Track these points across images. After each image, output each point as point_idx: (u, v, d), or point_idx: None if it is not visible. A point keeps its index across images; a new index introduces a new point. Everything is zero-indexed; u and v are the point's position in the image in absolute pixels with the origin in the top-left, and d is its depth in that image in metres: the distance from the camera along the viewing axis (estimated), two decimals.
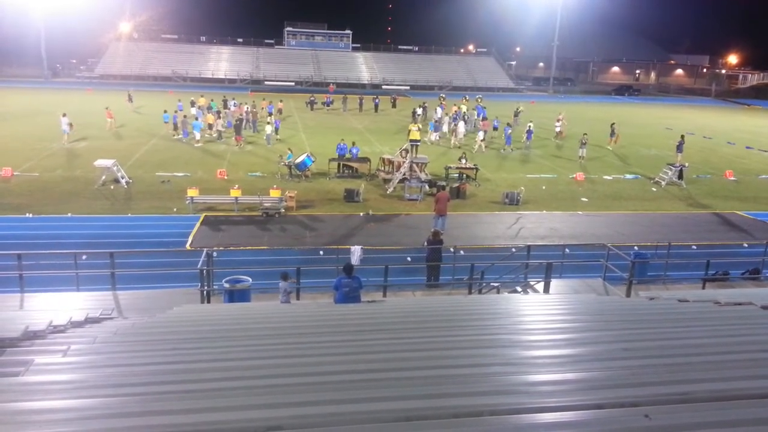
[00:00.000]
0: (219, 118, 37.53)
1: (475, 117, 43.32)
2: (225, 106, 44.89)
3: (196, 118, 36.61)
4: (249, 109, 40.34)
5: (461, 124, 38.24)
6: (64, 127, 32.11)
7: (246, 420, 3.92)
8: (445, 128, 39.63)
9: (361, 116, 50.35)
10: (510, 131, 36.83)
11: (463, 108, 44.63)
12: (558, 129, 41.35)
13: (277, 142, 34.64)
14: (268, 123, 35.74)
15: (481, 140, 35.40)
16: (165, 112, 38.47)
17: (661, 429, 3.70)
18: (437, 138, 38.31)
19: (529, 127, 37.60)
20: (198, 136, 34.11)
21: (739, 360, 5.42)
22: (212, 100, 43.31)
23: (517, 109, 46.20)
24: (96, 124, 38.16)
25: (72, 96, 52.99)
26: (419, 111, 43.81)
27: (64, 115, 32.54)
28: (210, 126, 36.53)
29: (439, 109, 43.99)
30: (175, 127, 36.15)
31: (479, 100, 52.39)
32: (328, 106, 54.18)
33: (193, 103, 42.17)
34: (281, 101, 47.48)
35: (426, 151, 30.79)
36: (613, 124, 39.59)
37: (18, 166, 26.38)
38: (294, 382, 4.92)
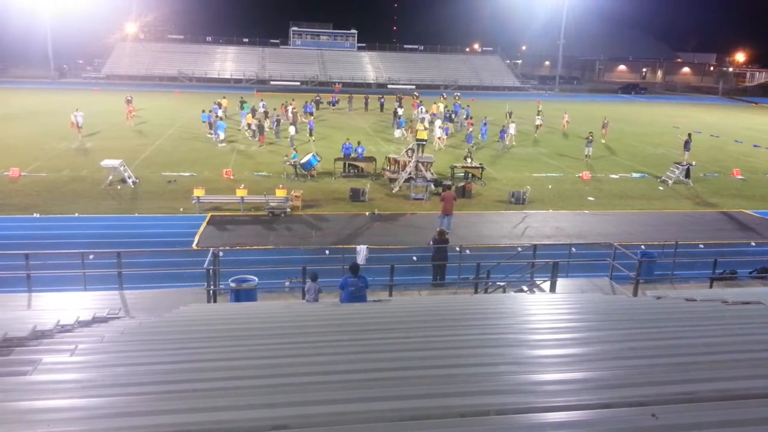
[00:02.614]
0: (266, 118, 38.42)
1: (464, 116, 43.17)
2: (242, 108, 45.14)
3: (220, 119, 37.04)
4: (292, 110, 40.47)
5: (437, 123, 38.06)
6: (79, 119, 33.88)
7: (252, 419, 3.93)
8: (425, 125, 39.59)
9: (367, 115, 50.35)
10: (471, 130, 37.41)
11: (441, 107, 44.64)
12: (537, 123, 42.42)
13: (311, 143, 34.60)
14: (291, 124, 35.72)
15: (438, 138, 35.27)
16: (203, 111, 39.24)
17: (668, 428, 3.69)
18: (401, 134, 38.38)
19: (503, 127, 37.50)
20: (222, 135, 34.41)
21: (746, 359, 5.39)
22: (245, 102, 43.57)
23: (510, 111, 46.07)
24: (102, 124, 38.33)
25: (79, 96, 53.16)
26: (400, 111, 43.95)
27: (77, 109, 34.42)
28: (249, 125, 36.95)
29: (422, 108, 44.18)
30: (210, 126, 36.85)
31: (457, 98, 52.52)
32: (333, 105, 54.19)
33: (219, 105, 42.47)
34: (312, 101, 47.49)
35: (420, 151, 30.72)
36: (605, 119, 41.78)
37: (25, 167, 26.51)
38: (300, 381, 4.92)
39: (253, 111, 40.10)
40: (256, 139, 34.82)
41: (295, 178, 26.47)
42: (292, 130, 34.33)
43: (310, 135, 36.42)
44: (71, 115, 34.33)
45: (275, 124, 36.89)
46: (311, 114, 41.20)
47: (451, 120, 42.60)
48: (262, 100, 45.66)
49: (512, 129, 37.98)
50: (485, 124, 38.51)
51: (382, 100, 54.43)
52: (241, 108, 42.13)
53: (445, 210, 19.71)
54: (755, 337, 6.57)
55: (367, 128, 42.64)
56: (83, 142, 33.00)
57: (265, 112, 40.59)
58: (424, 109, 43.99)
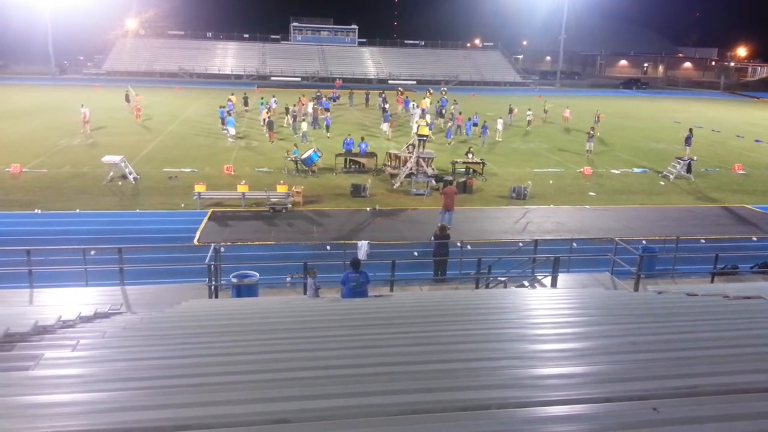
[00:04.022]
0: (287, 114, 38.80)
1: (456, 113, 43.09)
2: (245, 104, 45.24)
3: (230, 114, 37.05)
4: (313, 106, 40.36)
5: (427, 117, 37.96)
6: (87, 114, 34.23)
7: (253, 413, 3.93)
8: (416, 120, 39.67)
9: (368, 111, 50.26)
10: (451, 124, 37.98)
11: (427, 102, 44.65)
12: (529, 118, 43.06)
13: (328, 140, 34.61)
14: (304, 120, 35.70)
15: (415, 133, 35.21)
16: (221, 107, 39.45)
17: (669, 422, 3.69)
18: (386, 129, 38.49)
19: (484, 123, 37.51)
20: (232, 131, 34.41)
21: (747, 354, 5.39)
22: (262, 98, 43.83)
23: (510, 106, 46.06)
24: (104, 120, 38.30)
25: (80, 93, 53.14)
26: (386, 105, 43.99)
27: (83, 105, 34.94)
28: (264, 120, 37.08)
29: (413, 103, 44.33)
30: (223, 122, 36.96)
31: (444, 93, 52.69)
32: (334, 101, 54.09)
33: (233, 102, 42.78)
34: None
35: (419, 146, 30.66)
36: (597, 112, 43.46)
37: (27, 163, 26.52)
38: (301, 375, 4.93)
39: (286, 108, 40.23)
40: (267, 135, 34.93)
41: (296, 173, 26.47)
42: (304, 126, 34.39)
43: (327, 131, 36.44)
44: (81, 111, 34.44)
45: (293, 120, 36.82)
46: (327, 110, 41.30)
47: (441, 115, 42.54)
48: (273, 96, 45.61)
49: (500, 125, 37.92)
50: (470, 119, 38.54)
51: (383, 95, 54.31)
52: (236, 104, 42.20)
53: (446, 205, 19.68)
54: (756, 331, 6.57)
55: (368, 124, 42.59)
56: (86, 137, 33.03)
57: (286, 109, 40.58)
58: (414, 105, 44.06)
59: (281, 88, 64.11)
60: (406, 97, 49.82)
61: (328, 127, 36.95)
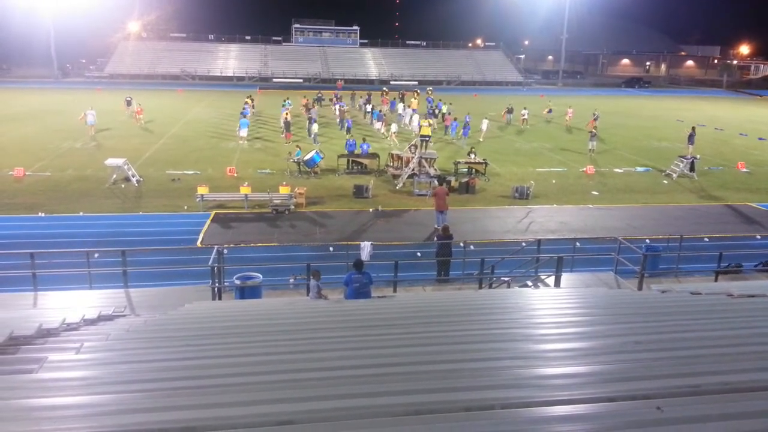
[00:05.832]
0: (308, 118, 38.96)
1: (445, 112, 43.01)
2: (252, 107, 45.36)
3: (244, 116, 37.07)
4: (339, 108, 40.31)
5: (415, 118, 37.92)
6: (90, 119, 34.26)
7: (257, 414, 3.94)
8: (407, 120, 39.96)
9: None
10: (431, 121, 37.56)
11: (415, 103, 44.61)
12: (524, 117, 43.57)
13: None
14: (315, 122, 35.70)
15: (394, 132, 35.15)
16: (244, 109, 39.52)
17: (673, 421, 3.69)
18: (380, 128, 38.54)
19: (466, 123, 37.53)
20: (243, 133, 34.38)
21: (751, 352, 5.38)
22: (285, 99, 44.11)
23: (510, 107, 46.00)
24: (106, 123, 38.36)
25: (82, 95, 53.25)
26: (368, 108, 44.09)
27: (91, 108, 35.14)
28: (283, 121, 37.15)
29: (401, 105, 44.68)
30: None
31: (429, 93, 52.90)
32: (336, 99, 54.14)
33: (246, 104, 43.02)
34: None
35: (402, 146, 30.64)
36: (595, 111, 43.41)
37: (30, 166, 26.58)
38: (305, 377, 4.94)
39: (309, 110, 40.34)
40: (282, 135, 34.90)
41: (298, 175, 26.49)
42: (315, 127, 34.35)
43: (348, 132, 36.48)
44: (87, 116, 34.43)
45: (308, 122, 36.88)
46: (344, 110, 41.45)
47: (434, 115, 42.61)
48: (287, 99, 45.66)
49: (485, 125, 37.87)
50: (456, 119, 38.65)
51: (372, 97, 54.49)
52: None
53: (438, 207, 19.44)
54: (760, 330, 6.56)
55: (370, 125, 42.57)
56: (89, 140, 33.12)
57: (308, 110, 40.70)
58: (404, 106, 44.10)
59: (283, 89, 64.17)
60: (393, 98, 49.91)
61: (348, 129, 36.89)
